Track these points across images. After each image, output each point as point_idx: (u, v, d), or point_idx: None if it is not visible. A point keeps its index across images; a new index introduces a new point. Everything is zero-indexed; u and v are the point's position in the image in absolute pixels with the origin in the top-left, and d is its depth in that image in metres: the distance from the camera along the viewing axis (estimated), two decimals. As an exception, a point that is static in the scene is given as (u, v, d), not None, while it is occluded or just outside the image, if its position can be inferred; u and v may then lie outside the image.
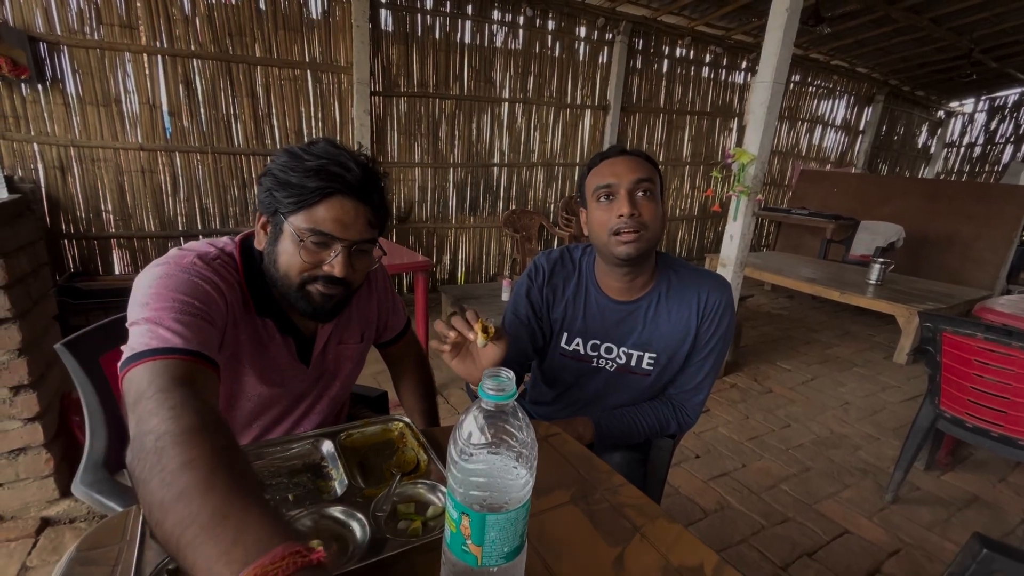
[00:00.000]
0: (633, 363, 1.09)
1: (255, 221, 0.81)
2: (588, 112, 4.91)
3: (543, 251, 1.19)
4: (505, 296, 2.87)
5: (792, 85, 6.09)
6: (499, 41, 4.32)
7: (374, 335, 1.07)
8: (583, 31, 4.64)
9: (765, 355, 3.52)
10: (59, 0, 2.99)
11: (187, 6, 3.28)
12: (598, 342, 1.10)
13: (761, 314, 4.50)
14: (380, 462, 0.79)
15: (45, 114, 3.10)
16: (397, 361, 1.18)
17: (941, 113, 8.29)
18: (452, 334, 0.78)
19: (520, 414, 0.45)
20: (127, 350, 0.62)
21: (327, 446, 0.79)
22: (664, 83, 5.23)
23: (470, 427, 0.45)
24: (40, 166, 3.16)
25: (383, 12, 3.84)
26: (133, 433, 0.51)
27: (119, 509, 0.88)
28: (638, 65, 5.00)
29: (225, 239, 0.85)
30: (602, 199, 0.98)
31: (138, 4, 3.17)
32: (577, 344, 1.11)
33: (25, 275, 1.60)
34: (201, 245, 0.80)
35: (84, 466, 0.95)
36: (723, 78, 5.60)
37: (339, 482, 0.72)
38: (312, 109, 3.81)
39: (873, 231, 4.79)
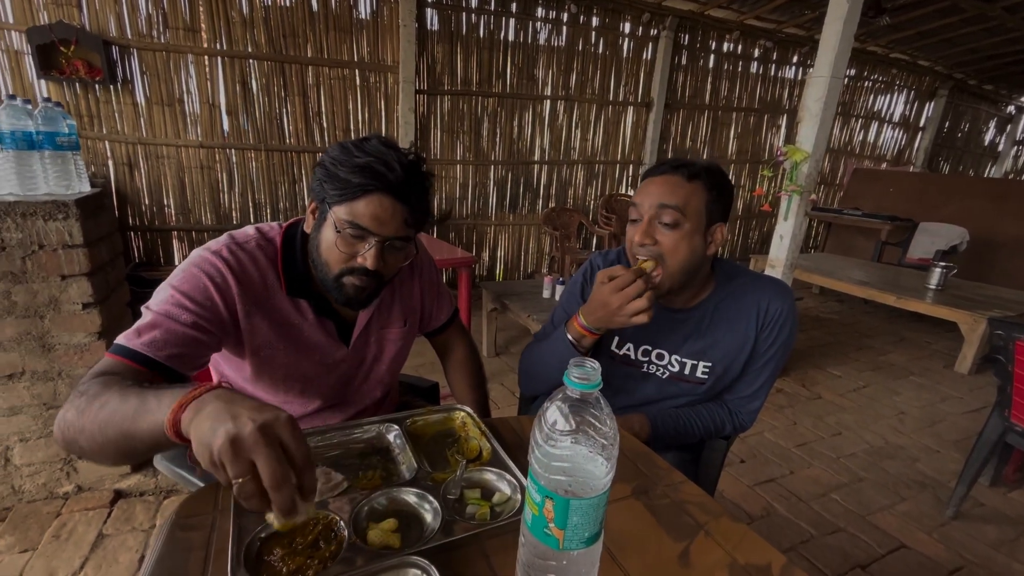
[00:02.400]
0: (687, 371, 1.07)
1: (307, 206, 0.88)
2: (631, 109, 4.85)
3: (599, 251, 1.18)
4: (546, 293, 2.88)
5: (847, 79, 5.83)
6: (542, 38, 4.32)
7: (418, 322, 1.11)
8: (627, 27, 4.59)
9: (814, 360, 3.40)
10: (131, 6, 3.18)
11: (245, 8, 3.42)
12: (649, 347, 1.08)
13: (809, 318, 4.34)
14: (443, 449, 0.82)
15: (116, 113, 3.30)
16: (446, 350, 1.21)
17: (1011, 108, 7.76)
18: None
19: (603, 404, 0.46)
20: (123, 334, 0.75)
21: (394, 432, 0.82)
22: (710, 79, 5.10)
23: (555, 414, 0.47)
24: (110, 163, 3.38)
25: (429, 11, 3.90)
26: (70, 397, 0.66)
27: (193, 480, 0.94)
28: (683, 61, 4.89)
29: (273, 224, 0.93)
30: (632, 219, 0.98)
31: (200, 8, 3.33)
32: (628, 349, 1.10)
33: (104, 264, 1.72)
34: (247, 229, 0.91)
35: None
36: (772, 73, 5.42)
37: (407, 466, 0.74)
38: (359, 107, 3.91)
39: (933, 233, 4.54)
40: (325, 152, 0.83)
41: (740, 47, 5.11)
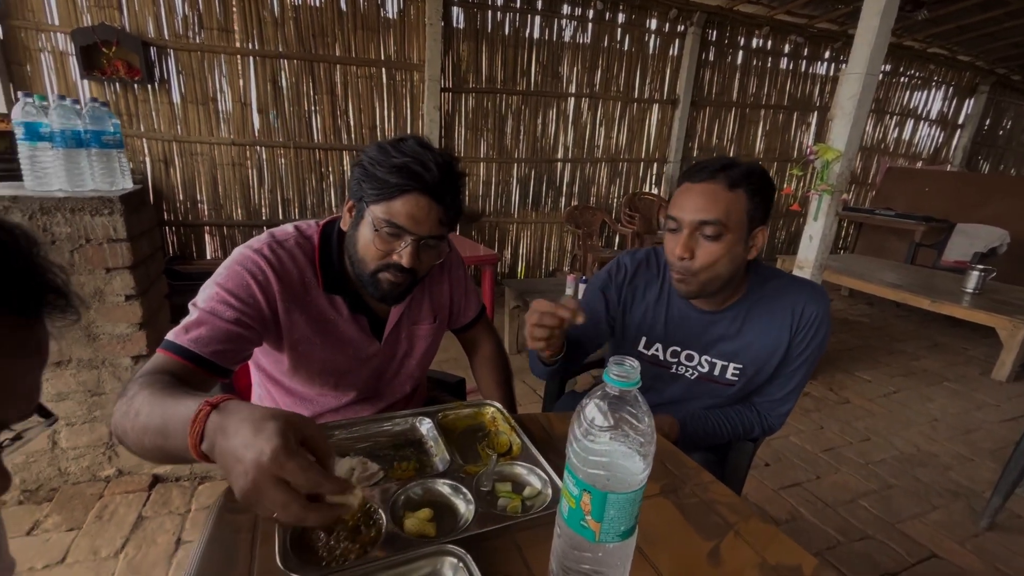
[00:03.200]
0: (716, 372, 1.07)
1: (343, 205, 0.91)
2: (656, 106, 4.80)
3: (629, 250, 1.18)
4: (569, 291, 2.88)
5: (882, 75, 5.66)
6: (568, 36, 4.30)
7: (447, 318, 1.13)
8: (654, 23, 4.54)
9: (842, 364, 3.32)
10: (168, 7, 3.28)
11: (276, 9, 3.50)
12: (678, 349, 1.08)
13: (838, 320, 4.24)
14: (473, 443, 0.84)
15: (153, 112, 3.42)
16: (473, 346, 1.23)
17: (1057, 105, 7.41)
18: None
19: (642, 403, 0.47)
20: (172, 330, 0.79)
21: (426, 424, 0.84)
22: (738, 75, 5.01)
23: (594, 410, 0.48)
24: (147, 160, 3.50)
25: (455, 10, 3.93)
26: (120, 395, 0.69)
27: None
28: (710, 57, 4.82)
29: (312, 222, 0.96)
30: (671, 228, 0.96)
31: (234, 9, 3.42)
32: (656, 349, 1.10)
33: (146, 257, 1.79)
34: (287, 227, 0.94)
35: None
36: (803, 69, 5.29)
37: (440, 458, 0.76)
38: (385, 105, 3.96)
39: (971, 235, 4.39)
40: (363, 152, 0.85)
41: (770, 43, 5.01)
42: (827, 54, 5.33)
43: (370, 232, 0.83)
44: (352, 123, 3.91)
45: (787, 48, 5.11)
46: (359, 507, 0.52)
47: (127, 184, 1.78)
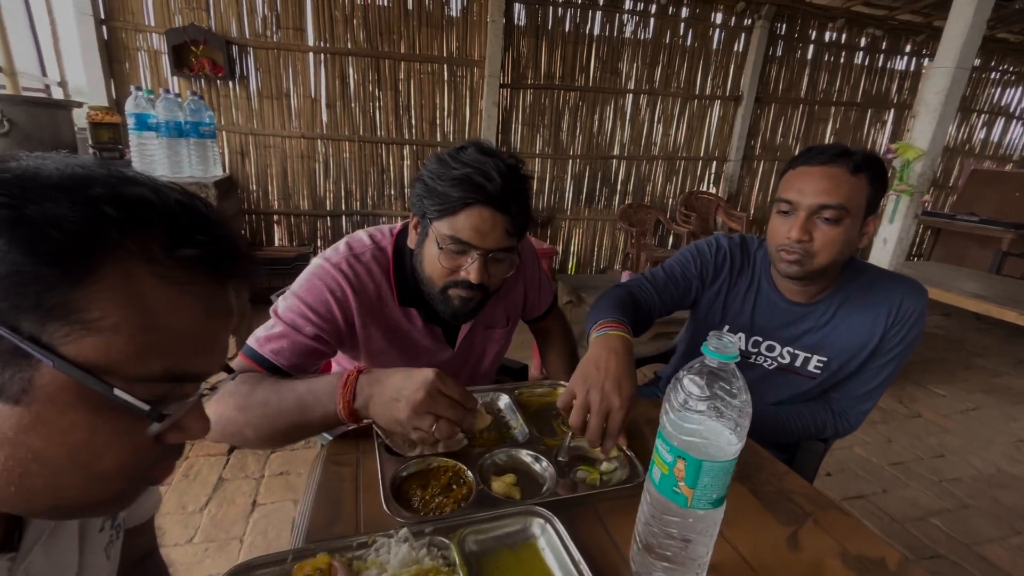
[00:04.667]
0: (798, 364, 1.05)
1: (410, 222, 0.90)
2: (717, 103, 4.67)
3: (722, 233, 1.15)
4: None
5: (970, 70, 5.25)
6: (628, 31, 4.25)
7: (520, 315, 1.14)
8: (719, 17, 4.41)
9: (913, 376, 3.13)
10: (250, 8, 3.50)
11: (347, 7, 3.65)
12: (760, 339, 1.06)
13: (908, 331, 3.99)
14: (548, 420, 0.87)
15: (232, 106, 3.66)
16: (545, 334, 1.25)
17: None
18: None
19: (738, 377, 0.49)
20: (253, 336, 0.84)
21: (504, 399, 0.88)
22: (807, 71, 4.79)
23: (691, 381, 0.50)
24: (226, 151, 3.74)
25: (517, 7, 3.97)
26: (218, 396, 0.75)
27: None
28: (778, 52, 4.63)
29: (385, 229, 0.96)
30: (782, 210, 0.93)
31: (308, 8, 3.60)
32: (738, 338, 1.08)
33: (231, 239, 1.94)
34: (362, 237, 0.93)
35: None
36: (879, 64, 4.99)
37: (519, 431, 0.80)
38: (445, 101, 4.06)
39: (1068, 244, 4.01)
40: (423, 166, 0.84)
41: (844, 36, 4.75)
42: (908, 47, 5.00)
43: (435, 249, 0.81)
44: (413, 118, 4.03)
45: (863, 41, 4.83)
46: (485, 426, 0.75)
47: (218, 171, 1.94)
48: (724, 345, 0.48)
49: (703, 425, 0.49)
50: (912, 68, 5.09)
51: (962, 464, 2.25)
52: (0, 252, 0.28)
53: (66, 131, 2.23)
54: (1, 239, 0.28)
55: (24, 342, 0.29)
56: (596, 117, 4.40)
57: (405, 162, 4.10)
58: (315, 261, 0.89)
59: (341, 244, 0.92)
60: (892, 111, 5.19)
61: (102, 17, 3.26)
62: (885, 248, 2.60)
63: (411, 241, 0.89)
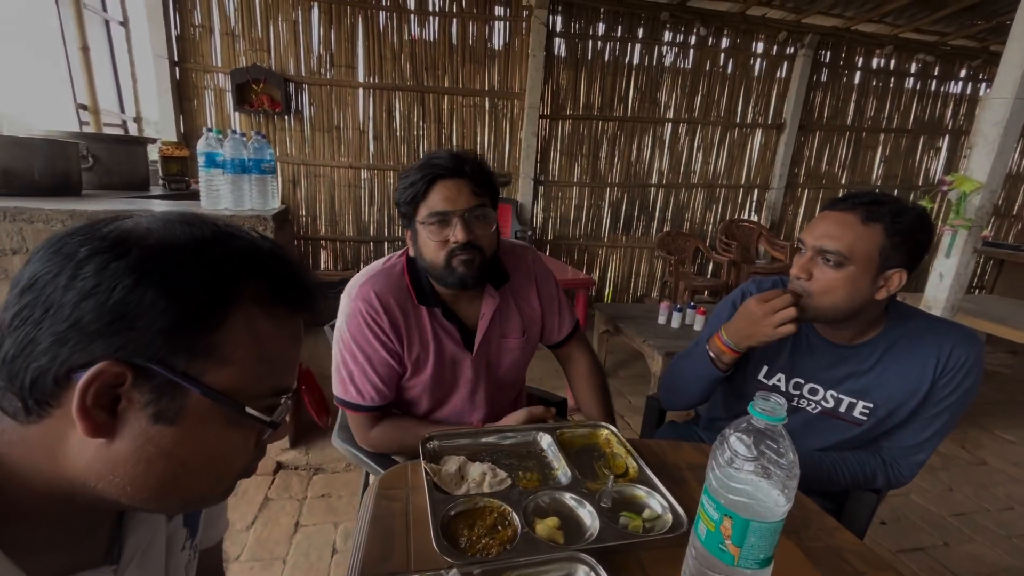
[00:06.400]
0: (843, 409, 1.02)
1: (405, 238, 1.05)
2: (759, 131, 4.62)
3: (755, 278, 1.17)
4: (661, 319, 2.83)
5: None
6: (668, 61, 4.29)
7: (539, 334, 1.19)
8: (760, 47, 4.40)
9: (977, 419, 2.93)
10: (306, 49, 3.74)
11: (395, 45, 3.85)
12: (802, 381, 1.05)
13: (970, 368, 3.75)
14: (590, 462, 0.88)
15: (287, 138, 3.89)
16: (568, 362, 1.27)
17: None
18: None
19: (786, 439, 0.49)
20: (342, 389, 1.04)
21: (547, 439, 0.90)
22: (854, 97, 4.69)
23: (737, 439, 0.51)
24: (279, 180, 3.97)
25: (557, 40, 4.08)
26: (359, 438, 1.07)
27: (363, 458, 1.10)
28: (822, 79, 4.57)
29: (396, 257, 1.09)
30: (797, 248, 0.97)
31: (359, 47, 3.83)
32: (778, 380, 1.07)
33: (285, 268, 2.05)
34: (379, 276, 1.04)
35: (338, 426, 1.22)
36: (931, 89, 4.83)
37: (562, 472, 0.82)
38: (486, 131, 4.18)
39: None
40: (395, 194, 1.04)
41: (893, 62, 4.64)
42: (962, 73, 4.84)
43: (424, 232, 0.96)
44: (455, 148, 4.16)
45: (913, 67, 4.71)
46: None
47: (276, 204, 2.06)
48: (772, 407, 0.48)
49: (750, 485, 0.49)
50: (968, 92, 4.91)
51: (1035, 518, 2.09)
52: (160, 309, 0.35)
53: (141, 165, 2.44)
54: (161, 299, 0.35)
55: (179, 376, 0.37)
56: (634, 146, 4.43)
57: (446, 190, 4.22)
58: (344, 300, 1.04)
59: (364, 280, 1.04)
60: (947, 137, 5.00)
61: (175, 59, 3.56)
62: (942, 284, 2.48)
63: (411, 250, 1.04)
